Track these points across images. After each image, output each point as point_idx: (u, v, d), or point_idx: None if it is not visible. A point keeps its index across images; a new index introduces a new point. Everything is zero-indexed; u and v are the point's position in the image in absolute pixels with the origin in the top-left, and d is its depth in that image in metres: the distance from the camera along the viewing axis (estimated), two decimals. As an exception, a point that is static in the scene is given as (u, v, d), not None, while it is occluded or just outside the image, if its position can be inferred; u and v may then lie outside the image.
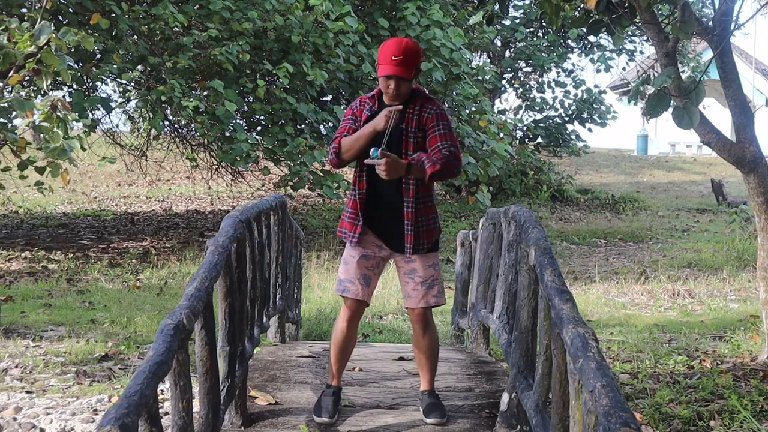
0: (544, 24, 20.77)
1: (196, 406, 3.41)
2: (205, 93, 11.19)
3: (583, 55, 22.53)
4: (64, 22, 10.39)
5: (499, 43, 20.61)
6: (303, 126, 12.41)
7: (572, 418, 2.85)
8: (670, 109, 5.01)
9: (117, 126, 15.34)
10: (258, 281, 4.77)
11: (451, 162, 3.94)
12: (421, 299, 4.17)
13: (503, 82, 21.18)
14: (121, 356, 6.14)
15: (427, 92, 4.28)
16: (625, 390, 5.30)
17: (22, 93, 6.61)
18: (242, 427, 4.08)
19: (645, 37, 20.42)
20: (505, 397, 4.17)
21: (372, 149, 3.89)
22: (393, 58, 3.92)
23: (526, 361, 4.04)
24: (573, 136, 21.51)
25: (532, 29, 20.95)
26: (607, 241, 14.38)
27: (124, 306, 8.14)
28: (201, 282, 3.35)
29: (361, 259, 4.16)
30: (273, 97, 11.65)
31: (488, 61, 20.60)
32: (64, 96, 11.16)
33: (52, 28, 5.93)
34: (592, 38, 21.32)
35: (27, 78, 6.40)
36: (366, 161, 3.94)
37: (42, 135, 6.28)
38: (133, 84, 12.12)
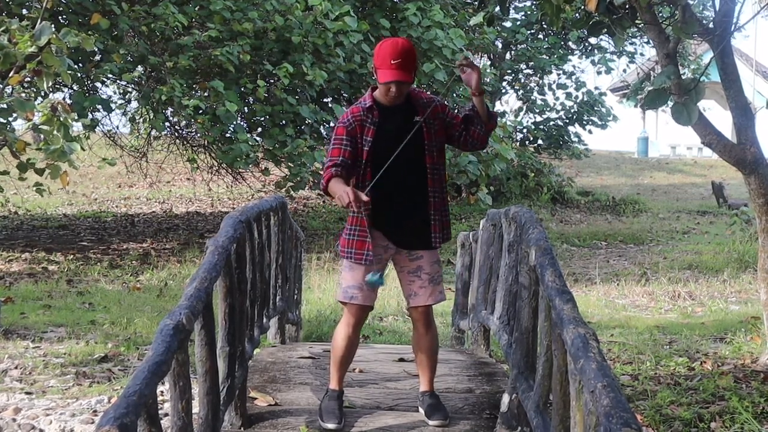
0: (545, 26, 20.76)
1: (196, 406, 3.40)
2: (205, 93, 11.18)
3: (583, 57, 22.51)
4: (65, 23, 10.38)
5: (499, 45, 20.58)
6: (303, 127, 12.41)
7: (573, 419, 2.84)
8: (670, 107, 5.00)
9: (117, 128, 15.35)
10: (258, 282, 4.77)
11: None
12: (429, 296, 4.14)
13: (504, 84, 21.17)
14: (120, 357, 6.13)
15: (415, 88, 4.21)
16: (625, 391, 5.28)
17: (23, 94, 6.60)
18: (242, 428, 4.07)
19: (646, 39, 20.41)
20: (505, 398, 4.16)
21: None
22: (392, 62, 3.84)
23: (527, 362, 4.03)
24: (574, 139, 21.49)
25: (533, 31, 20.93)
26: (608, 243, 14.36)
27: (124, 307, 8.13)
28: (201, 282, 3.34)
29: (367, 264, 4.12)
30: (273, 97, 11.64)
31: (489, 62, 20.59)
32: (64, 98, 11.15)
33: (53, 29, 5.92)
34: (592, 40, 21.31)
35: (27, 79, 6.40)
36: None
37: (42, 136, 6.28)
38: (133, 85, 12.10)
